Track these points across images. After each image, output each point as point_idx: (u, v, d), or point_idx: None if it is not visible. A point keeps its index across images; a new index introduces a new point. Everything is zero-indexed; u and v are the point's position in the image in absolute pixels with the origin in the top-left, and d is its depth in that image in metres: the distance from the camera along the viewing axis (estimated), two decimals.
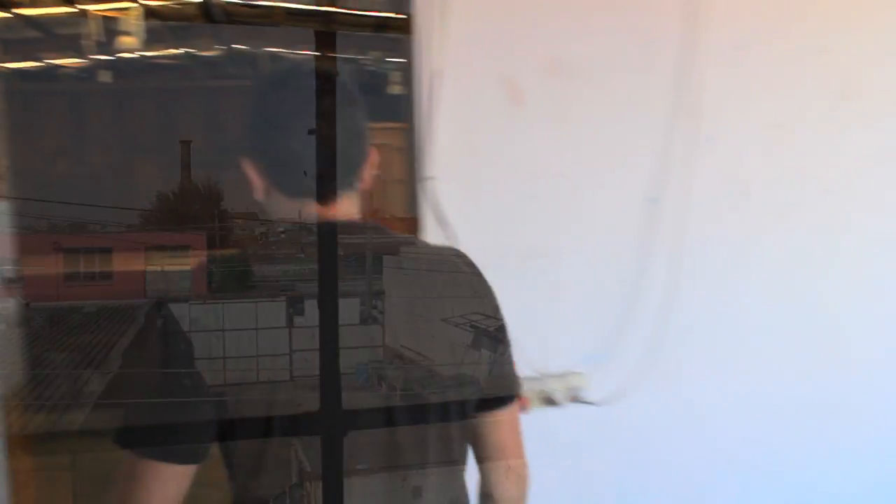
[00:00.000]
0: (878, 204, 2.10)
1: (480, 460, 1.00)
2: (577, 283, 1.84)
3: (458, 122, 1.70)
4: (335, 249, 0.86)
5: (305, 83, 0.87)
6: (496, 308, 0.96)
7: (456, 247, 1.65)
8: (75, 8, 5.88)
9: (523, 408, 1.77)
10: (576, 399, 1.84)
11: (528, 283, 1.79)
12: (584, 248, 1.84)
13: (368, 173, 0.93)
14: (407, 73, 1.74)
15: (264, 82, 0.93)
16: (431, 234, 1.70)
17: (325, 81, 0.87)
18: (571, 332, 1.85)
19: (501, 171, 1.78)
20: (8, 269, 1.50)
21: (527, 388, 1.80)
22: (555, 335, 1.81)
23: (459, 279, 0.92)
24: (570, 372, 1.84)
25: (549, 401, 1.82)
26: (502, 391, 0.99)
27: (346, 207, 0.90)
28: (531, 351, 1.78)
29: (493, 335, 0.95)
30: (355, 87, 0.91)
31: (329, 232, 0.87)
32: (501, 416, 0.99)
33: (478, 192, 1.75)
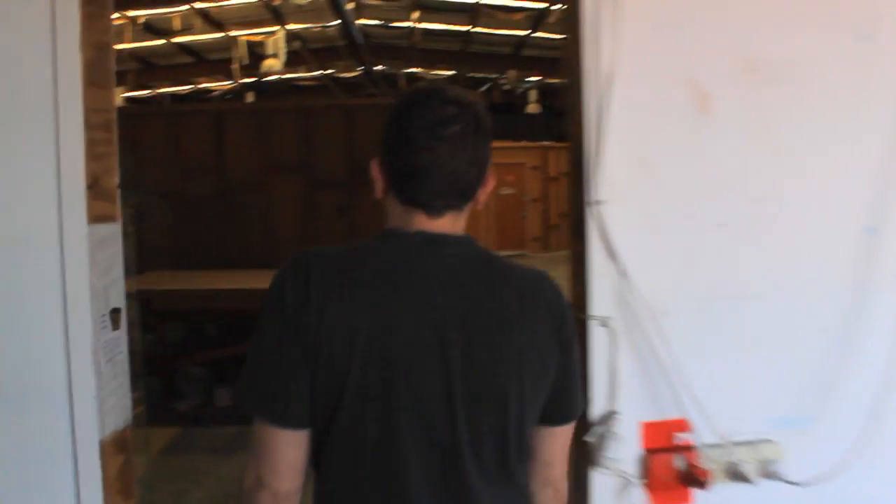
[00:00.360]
0: None
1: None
2: (776, 330, 1.56)
3: (632, 136, 1.50)
4: (431, 259, 0.99)
5: (440, 106, 0.98)
6: (572, 330, 1.06)
7: (626, 281, 1.41)
8: (224, 34, 6.22)
9: (700, 482, 1.49)
10: (770, 476, 1.54)
11: (714, 329, 1.55)
12: (785, 288, 1.57)
13: (483, 196, 1.04)
14: (571, 87, 1.52)
15: (404, 97, 1.03)
16: (598, 268, 1.46)
17: (458, 106, 0.98)
18: (767, 390, 1.57)
19: (684, 194, 1.53)
20: (119, 297, 1.43)
21: (709, 458, 1.52)
22: (746, 394, 1.56)
23: (538, 298, 1.02)
24: (763, 440, 1.56)
25: (737, 475, 1.54)
26: (564, 408, 1.07)
27: (451, 223, 1.02)
28: (716, 412, 1.52)
29: (564, 355, 1.04)
30: (485, 113, 1.01)
31: (426, 241, 1.00)
32: (557, 431, 1.08)
33: (655, 219, 1.52)
